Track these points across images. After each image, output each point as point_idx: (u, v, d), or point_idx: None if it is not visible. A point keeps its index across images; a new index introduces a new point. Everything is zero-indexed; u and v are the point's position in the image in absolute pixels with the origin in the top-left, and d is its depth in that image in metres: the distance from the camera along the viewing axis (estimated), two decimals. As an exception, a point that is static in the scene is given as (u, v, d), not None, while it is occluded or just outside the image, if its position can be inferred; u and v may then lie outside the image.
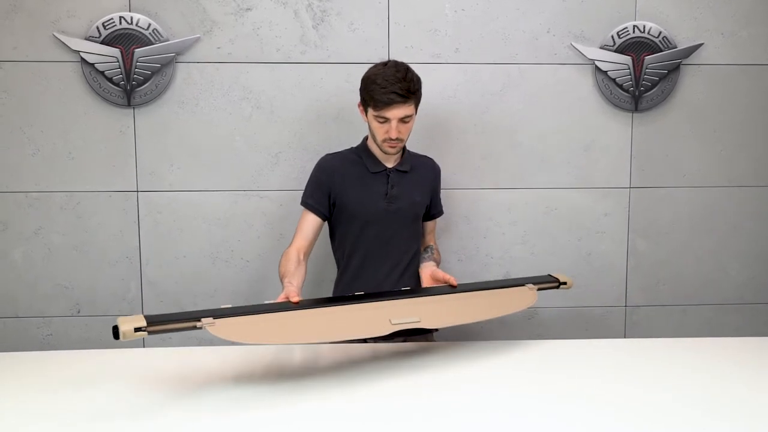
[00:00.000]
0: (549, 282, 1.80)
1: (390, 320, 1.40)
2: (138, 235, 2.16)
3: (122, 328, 1.18)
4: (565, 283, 1.81)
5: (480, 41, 2.17)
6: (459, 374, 1.43)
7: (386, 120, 1.65)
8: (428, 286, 1.73)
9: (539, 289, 1.75)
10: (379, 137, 1.70)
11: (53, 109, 2.09)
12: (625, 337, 2.31)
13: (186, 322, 1.27)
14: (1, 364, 1.49)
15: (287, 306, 1.43)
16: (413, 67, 2.10)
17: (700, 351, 1.61)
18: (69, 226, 2.14)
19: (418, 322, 1.43)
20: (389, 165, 1.79)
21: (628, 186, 2.26)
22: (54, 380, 1.38)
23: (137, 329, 1.20)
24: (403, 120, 1.66)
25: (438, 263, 1.90)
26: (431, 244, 1.96)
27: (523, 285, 1.72)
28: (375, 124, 1.69)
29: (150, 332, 1.22)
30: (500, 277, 2.26)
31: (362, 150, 1.81)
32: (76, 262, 2.16)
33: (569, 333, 2.31)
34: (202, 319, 1.28)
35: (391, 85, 1.60)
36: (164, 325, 1.25)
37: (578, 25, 2.18)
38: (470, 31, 2.16)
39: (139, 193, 2.14)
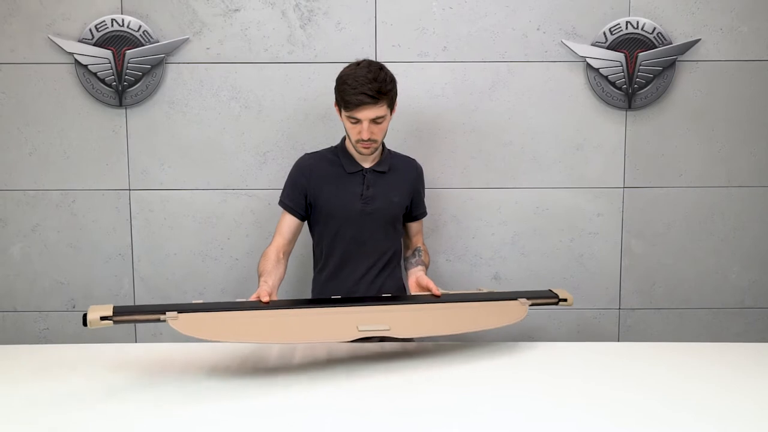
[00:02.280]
0: (547, 297, 1.67)
1: (357, 327, 1.38)
2: (130, 232, 2.21)
3: (89, 317, 1.27)
4: (565, 300, 1.66)
5: (468, 39, 2.14)
6: (447, 376, 1.41)
7: (358, 121, 1.65)
8: (415, 292, 1.68)
9: (534, 305, 1.63)
10: (353, 138, 1.70)
11: (49, 109, 2.15)
12: (618, 341, 2.26)
13: (151, 314, 1.33)
14: (1, 357, 1.55)
15: (255, 305, 1.44)
16: (401, 66, 2.13)
17: (697, 356, 1.56)
18: (64, 223, 2.20)
19: (388, 330, 1.39)
20: (366, 165, 1.79)
21: (622, 186, 2.21)
22: (49, 372, 1.42)
23: (103, 318, 1.27)
24: (375, 121, 1.65)
25: (427, 266, 1.85)
26: (419, 245, 1.91)
27: (515, 299, 1.61)
28: (348, 125, 1.69)
29: (116, 321, 1.28)
30: (489, 278, 2.24)
31: (340, 150, 1.81)
32: (72, 258, 2.21)
33: (560, 335, 2.27)
34: (166, 313, 1.32)
35: (361, 86, 1.60)
36: (130, 315, 1.32)
37: (569, 21, 2.13)
38: (458, 29, 2.14)
39: (131, 191, 2.19)
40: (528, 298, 1.62)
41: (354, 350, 1.56)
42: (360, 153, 1.73)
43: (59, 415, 1.20)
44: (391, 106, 1.69)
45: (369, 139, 1.66)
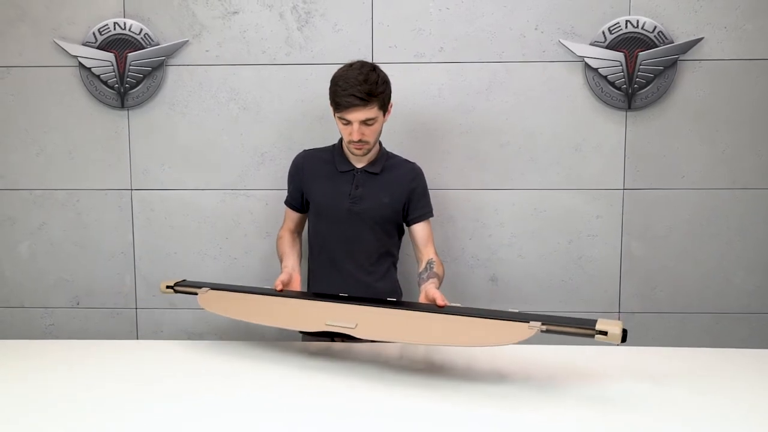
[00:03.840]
0: (579, 326, 1.33)
1: (325, 321, 1.41)
2: (132, 231, 2.25)
3: (160, 286, 1.71)
4: (604, 333, 1.29)
5: (465, 39, 2.14)
6: (440, 378, 1.40)
7: (348, 122, 1.66)
8: None
9: (552, 332, 1.33)
10: (345, 138, 1.72)
11: (55, 111, 2.21)
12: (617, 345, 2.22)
13: (194, 287, 1.67)
14: (8, 352, 1.59)
15: (270, 291, 1.60)
16: (397, 67, 2.13)
17: (699, 362, 1.52)
18: (69, 222, 2.25)
19: (353, 329, 1.38)
20: (358, 165, 1.79)
21: (622, 187, 2.17)
22: (54, 367, 1.46)
23: (168, 287, 1.69)
24: (365, 123, 1.65)
25: (441, 278, 1.73)
26: (431, 257, 1.78)
27: (526, 321, 1.34)
28: (340, 126, 1.70)
29: (175, 291, 1.68)
30: (486, 280, 2.23)
31: (336, 149, 1.84)
32: (76, 256, 2.27)
33: (557, 339, 2.22)
34: (202, 288, 1.65)
35: (350, 88, 1.60)
36: (183, 287, 1.69)
37: (568, 21, 2.11)
38: (455, 30, 2.13)
39: (133, 191, 2.23)
40: (547, 323, 1.33)
41: (365, 351, 1.57)
42: (352, 154, 1.75)
43: (63, 409, 1.23)
44: (384, 108, 1.69)
45: (360, 141, 1.67)
